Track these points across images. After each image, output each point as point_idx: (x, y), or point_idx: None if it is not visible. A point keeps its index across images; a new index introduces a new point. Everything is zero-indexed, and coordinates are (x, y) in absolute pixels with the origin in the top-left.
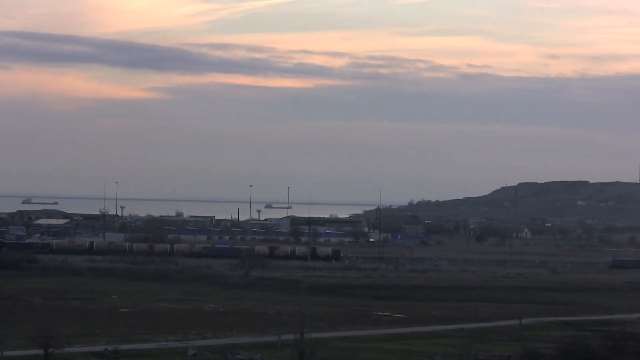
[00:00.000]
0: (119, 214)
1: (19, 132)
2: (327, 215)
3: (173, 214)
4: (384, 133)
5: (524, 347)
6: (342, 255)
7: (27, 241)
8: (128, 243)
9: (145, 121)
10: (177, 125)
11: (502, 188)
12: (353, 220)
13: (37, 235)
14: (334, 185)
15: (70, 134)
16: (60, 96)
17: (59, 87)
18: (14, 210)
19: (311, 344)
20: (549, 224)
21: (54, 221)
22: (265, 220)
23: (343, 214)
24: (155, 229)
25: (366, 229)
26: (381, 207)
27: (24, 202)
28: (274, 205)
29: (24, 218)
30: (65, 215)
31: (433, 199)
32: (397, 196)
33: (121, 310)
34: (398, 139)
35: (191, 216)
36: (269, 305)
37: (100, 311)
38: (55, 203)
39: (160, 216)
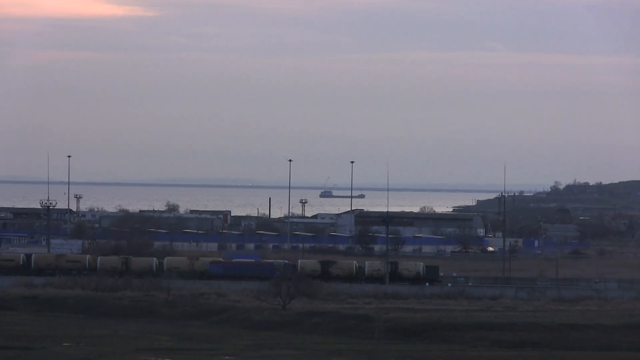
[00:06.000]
0: (73, 208)
1: None
2: (416, 209)
3: (162, 208)
4: (505, 68)
5: None
6: (441, 274)
7: None
8: (88, 256)
9: (114, 54)
10: (165, 60)
11: None
12: (459, 217)
13: None
14: (427, 159)
15: None
16: None
17: None
18: None
19: None
20: None
21: None
22: (315, 217)
23: (442, 206)
24: (133, 233)
25: (481, 231)
26: (506, 195)
27: None
28: (333, 194)
29: None
30: None
31: (592, 181)
32: (533, 176)
33: None
34: (528, 77)
35: (192, 211)
36: (322, 357)
37: None
38: None
39: (141, 212)
